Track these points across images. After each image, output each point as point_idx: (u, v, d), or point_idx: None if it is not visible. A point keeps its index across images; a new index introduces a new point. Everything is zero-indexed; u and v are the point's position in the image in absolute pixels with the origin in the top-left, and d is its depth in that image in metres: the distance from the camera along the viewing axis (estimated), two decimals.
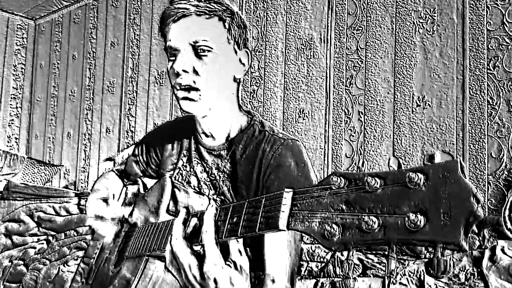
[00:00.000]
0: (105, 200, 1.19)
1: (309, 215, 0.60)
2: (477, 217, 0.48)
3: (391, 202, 0.52)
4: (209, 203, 1.01)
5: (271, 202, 0.67)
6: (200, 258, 0.75)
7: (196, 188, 1.10)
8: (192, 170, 1.12)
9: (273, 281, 0.89)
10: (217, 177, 1.08)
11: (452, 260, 1.48)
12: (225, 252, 0.77)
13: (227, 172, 1.07)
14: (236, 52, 1.07)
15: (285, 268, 0.91)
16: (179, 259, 0.77)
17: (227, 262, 0.75)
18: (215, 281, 0.74)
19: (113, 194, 1.18)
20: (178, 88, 1.02)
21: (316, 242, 0.58)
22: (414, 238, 0.49)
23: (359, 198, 0.55)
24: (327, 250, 1.82)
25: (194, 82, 1.01)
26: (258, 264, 0.92)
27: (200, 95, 1.02)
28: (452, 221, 0.48)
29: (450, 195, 0.49)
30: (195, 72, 1.01)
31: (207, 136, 1.11)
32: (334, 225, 0.56)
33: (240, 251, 0.76)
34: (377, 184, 0.54)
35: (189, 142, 1.15)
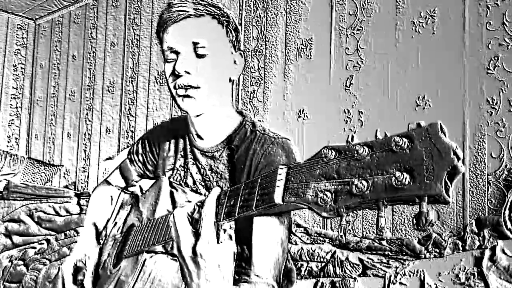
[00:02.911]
0: (80, 269, 1.20)
1: (303, 187, 0.62)
2: (458, 170, 0.52)
3: (379, 165, 0.56)
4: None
5: (266, 180, 0.70)
6: (196, 236, 0.79)
7: (193, 188, 1.11)
8: (188, 171, 1.13)
9: (257, 276, 0.91)
10: (211, 178, 1.09)
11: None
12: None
13: (220, 173, 1.09)
14: (232, 54, 1.10)
15: (271, 265, 0.93)
16: (179, 232, 0.81)
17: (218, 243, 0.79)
18: (204, 259, 0.78)
19: (88, 257, 1.19)
20: (178, 87, 1.03)
21: (311, 211, 0.60)
22: (401, 194, 0.53)
23: (349, 166, 0.58)
24: (326, 245, 1.82)
25: (194, 81, 1.03)
26: (247, 260, 0.93)
27: (199, 94, 1.04)
28: (435, 175, 0.51)
29: (432, 153, 0.52)
30: (196, 72, 1.02)
31: (200, 138, 1.12)
32: (327, 193, 0.59)
33: (230, 236, 0.80)
34: (365, 152, 0.57)
35: (184, 143, 1.16)
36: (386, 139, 0.57)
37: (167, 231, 0.88)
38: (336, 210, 0.58)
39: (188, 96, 1.03)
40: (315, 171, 0.62)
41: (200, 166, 1.11)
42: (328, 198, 0.58)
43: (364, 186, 0.55)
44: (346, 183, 0.57)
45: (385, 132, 0.61)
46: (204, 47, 1.02)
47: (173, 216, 0.82)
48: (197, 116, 1.09)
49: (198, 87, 1.03)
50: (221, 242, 0.78)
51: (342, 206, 0.57)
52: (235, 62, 1.11)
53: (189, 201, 1.00)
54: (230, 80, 1.11)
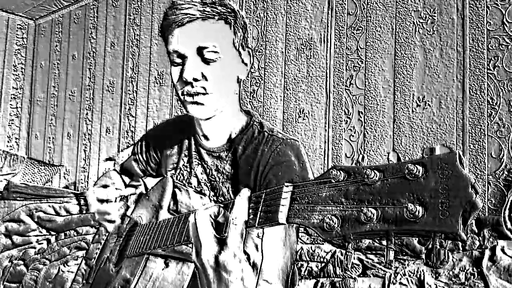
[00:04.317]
0: (105, 186, 1.18)
1: (309, 209, 0.60)
2: (475, 206, 0.48)
3: (390, 194, 0.52)
4: (215, 202, 1.01)
5: (271, 196, 0.67)
6: (220, 244, 0.71)
7: (197, 189, 1.10)
8: (192, 171, 1.12)
9: (266, 281, 0.88)
10: (217, 179, 1.08)
11: (453, 258, 1.48)
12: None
13: (227, 173, 1.07)
14: (240, 53, 1.07)
15: (279, 270, 0.91)
16: (200, 236, 0.72)
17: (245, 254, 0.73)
18: (228, 271, 0.71)
19: (114, 182, 1.18)
20: (186, 94, 1.01)
21: (316, 235, 0.58)
22: (413, 229, 0.49)
23: (358, 190, 0.55)
24: (326, 245, 1.82)
25: (203, 88, 1.00)
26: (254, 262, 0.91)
27: (208, 99, 1.01)
28: (450, 211, 0.48)
29: (449, 186, 0.49)
30: (204, 77, 1.00)
31: (206, 138, 1.10)
32: (333, 218, 0.56)
33: (257, 246, 0.73)
34: (376, 176, 0.54)
35: (189, 143, 1.14)
36: (399, 164, 0.53)
37: (167, 238, 0.86)
38: (343, 237, 0.55)
39: (196, 102, 1.01)
40: (322, 193, 0.59)
41: (206, 166, 1.10)
42: (335, 223, 0.56)
43: (374, 215, 0.52)
44: (354, 210, 0.54)
45: (398, 155, 0.59)
46: (212, 51, 1.00)
47: (195, 218, 0.73)
48: (207, 119, 1.07)
49: (207, 93, 1.01)
50: (247, 254, 0.71)
51: (350, 234, 0.54)
52: (243, 61, 1.08)
53: (218, 203, 0.97)
54: (238, 79, 1.08)
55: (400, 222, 0.50)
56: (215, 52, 1.01)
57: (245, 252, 0.71)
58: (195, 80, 1.01)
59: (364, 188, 0.55)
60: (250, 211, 0.70)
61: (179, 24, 1.01)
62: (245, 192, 0.72)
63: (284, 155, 1.03)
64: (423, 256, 1.61)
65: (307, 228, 0.60)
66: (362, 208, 0.53)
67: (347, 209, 0.55)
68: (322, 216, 0.58)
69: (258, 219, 0.67)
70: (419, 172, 0.51)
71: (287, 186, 0.64)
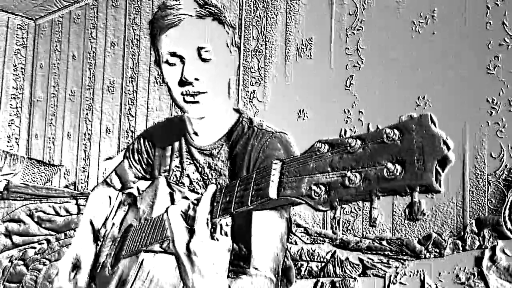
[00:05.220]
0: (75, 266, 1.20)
1: (297, 181, 0.63)
2: (448, 160, 0.53)
3: (371, 157, 0.57)
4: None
5: (261, 175, 0.70)
6: (190, 233, 0.80)
7: (189, 188, 1.11)
8: (184, 171, 1.14)
9: (256, 269, 0.92)
10: (209, 176, 1.10)
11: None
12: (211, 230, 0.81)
13: (219, 170, 1.09)
14: (231, 52, 1.10)
15: (269, 258, 0.94)
16: (172, 228, 0.81)
17: (213, 240, 0.80)
18: (198, 256, 0.79)
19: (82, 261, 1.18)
20: (186, 94, 1.03)
21: (305, 204, 0.62)
22: (393, 185, 0.54)
23: (342, 159, 0.59)
24: (326, 245, 1.82)
25: (202, 87, 1.03)
26: (245, 259, 0.93)
27: (204, 98, 1.04)
28: (425, 165, 0.52)
29: (423, 143, 0.54)
30: (203, 77, 1.03)
31: (197, 135, 1.12)
32: (320, 185, 0.60)
33: (226, 233, 0.81)
34: (358, 144, 0.58)
35: (180, 143, 1.16)
36: (378, 131, 0.58)
37: (164, 230, 0.89)
38: (330, 202, 0.59)
39: (195, 102, 1.04)
40: (308, 165, 0.62)
41: (198, 164, 1.12)
42: (322, 191, 0.59)
43: (357, 178, 0.56)
44: (339, 176, 0.58)
45: (377, 125, 0.63)
46: (209, 51, 1.03)
47: (167, 213, 0.83)
48: (200, 118, 1.09)
49: (203, 92, 1.04)
50: (216, 239, 0.79)
51: (336, 199, 0.58)
52: (233, 60, 1.11)
53: (185, 197, 1.01)
54: (229, 78, 1.11)
55: (381, 181, 0.55)
56: (212, 52, 1.04)
57: (216, 239, 0.79)
58: (196, 79, 1.03)
59: (347, 156, 0.59)
60: (241, 192, 0.73)
61: (173, 24, 1.03)
62: (211, 187, 0.81)
63: (273, 148, 1.07)
64: (423, 258, 1.62)
65: (298, 200, 0.64)
66: (346, 173, 0.58)
67: (332, 176, 0.59)
68: (310, 185, 0.61)
69: (250, 197, 0.70)
70: (396, 135, 0.56)
71: (275, 163, 0.68)
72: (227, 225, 0.81)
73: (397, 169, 0.53)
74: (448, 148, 0.54)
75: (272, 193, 0.65)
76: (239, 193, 0.74)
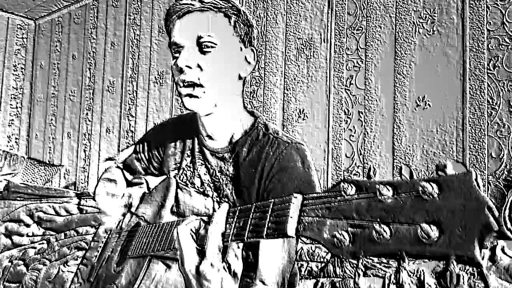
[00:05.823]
0: (113, 180, 1.18)
1: (319, 222, 0.59)
2: (491, 230, 0.47)
3: (403, 211, 0.50)
4: (218, 204, 1.01)
5: (279, 207, 0.66)
6: (201, 255, 0.76)
7: (200, 189, 1.10)
8: (196, 171, 1.11)
9: (263, 282, 0.89)
10: (221, 180, 1.07)
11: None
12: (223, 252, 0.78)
13: (230, 175, 1.06)
14: (241, 50, 1.06)
15: (276, 272, 0.91)
16: (182, 248, 0.78)
17: (223, 263, 0.76)
18: (208, 280, 0.75)
19: (117, 178, 1.18)
20: (182, 85, 1.01)
21: (327, 250, 0.56)
22: (427, 250, 0.48)
23: (370, 206, 0.54)
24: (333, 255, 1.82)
25: (198, 78, 1.00)
26: (251, 266, 0.92)
27: (204, 92, 1.01)
28: (467, 233, 0.46)
29: (465, 207, 0.47)
30: (199, 68, 1.00)
31: (211, 138, 1.10)
32: (344, 233, 0.55)
33: (237, 256, 0.77)
34: (389, 192, 0.52)
35: (192, 143, 1.14)
36: (413, 181, 0.51)
37: (171, 241, 0.87)
38: (354, 254, 0.53)
39: (191, 95, 1.01)
40: (332, 206, 0.57)
41: (209, 166, 1.09)
42: (346, 240, 0.54)
43: (386, 233, 0.50)
44: (366, 226, 0.53)
45: (411, 170, 0.57)
46: (209, 42, 1.00)
47: (177, 232, 0.79)
48: (206, 115, 1.06)
49: (201, 85, 1.01)
50: (227, 263, 0.75)
51: (361, 252, 0.52)
52: (246, 59, 1.08)
53: (196, 214, 0.98)
54: (240, 77, 1.08)
55: (414, 243, 0.49)
56: (212, 43, 1.01)
57: (226, 262, 0.75)
58: (188, 67, 1.00)
59: (376, 204, 0.53)
60: (256, 220, 0.70)
61: (179, 15, 1.02)
62: (224, 207, 0.76)
63: (289, 160, 1.02)
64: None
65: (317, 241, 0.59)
66: (374, 225, 0.52)
67: (358, 225, 0.54)
68: (333, 230, 0.56)
69: (265, 229, 0.66)
70: (434, 191, 0.49)
71: (295, 197, 0.63)
72: (238, 247, 0.77)
73: (433, 231, 0.47)
74: (493, 216, 0.47)
75: (291, 231, 0.61)
76: (254, 220, 0.70)
